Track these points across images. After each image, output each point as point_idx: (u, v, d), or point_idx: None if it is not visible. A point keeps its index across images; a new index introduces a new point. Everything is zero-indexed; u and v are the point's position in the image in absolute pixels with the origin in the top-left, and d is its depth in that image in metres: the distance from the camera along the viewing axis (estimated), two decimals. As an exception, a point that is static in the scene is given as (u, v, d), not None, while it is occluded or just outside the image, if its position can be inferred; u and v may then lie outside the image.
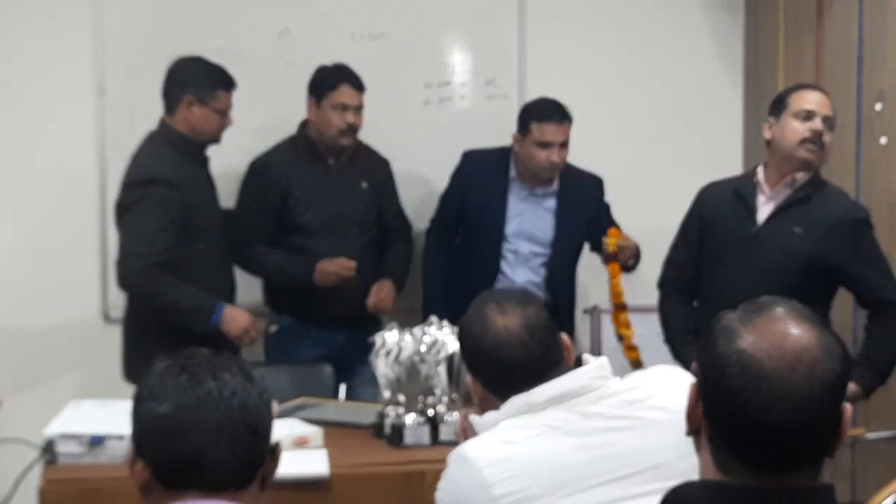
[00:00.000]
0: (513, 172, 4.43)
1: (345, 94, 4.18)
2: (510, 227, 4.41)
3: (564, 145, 4.30)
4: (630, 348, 4.27)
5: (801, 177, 3.64)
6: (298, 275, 4.23)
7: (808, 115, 3.60)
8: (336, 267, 4.18)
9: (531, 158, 4.28)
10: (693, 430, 1.58)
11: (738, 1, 5.14)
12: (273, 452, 1.79)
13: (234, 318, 3.87)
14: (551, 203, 4.43)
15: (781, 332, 1.51)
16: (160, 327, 3.83)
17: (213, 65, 4.01)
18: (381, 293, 4.31)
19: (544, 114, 4.27)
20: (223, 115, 3.98)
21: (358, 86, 4.22)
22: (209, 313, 3.83)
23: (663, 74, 5.09)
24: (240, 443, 1.71)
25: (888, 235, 3.95)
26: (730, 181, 3.84)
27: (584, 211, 4.45)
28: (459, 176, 4.52)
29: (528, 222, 4.42)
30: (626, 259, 4.26)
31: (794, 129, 3.60)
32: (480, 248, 4.44)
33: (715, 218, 3.83)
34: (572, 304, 4.62)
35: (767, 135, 3.70)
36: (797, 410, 1.47)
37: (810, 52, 4.58)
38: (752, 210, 3.70)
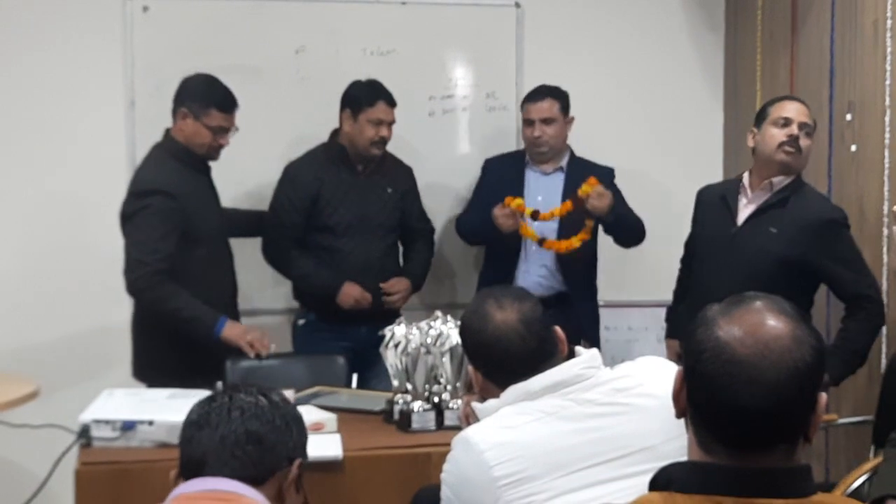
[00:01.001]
0: (527, 158, 4.48)
1: (381, 110, 4.20)
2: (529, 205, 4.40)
3: (547, 122, 4.35)
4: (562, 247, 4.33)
5: (779, 180, 3.65)
6: (322, 287, 4.23)
7: (786, 122, 3.63)
8: (360, 295, 4.19)
9: (523, 135, 4.43)
10: (680, 412, 1.59)
11: (720, 21, 5.15)
12: (291, 461, 1.98)
13: (234, 330, 3.80)
14: (560, 181, 4.45)
15: (756, 321, 1.51)
16: (164, 330, 3.82)
17: (217, 85, 3.92)
18: (397, 286, 4.31)
19: (527, 95, 4.44)
20: (216, 133, 3.88)
21: (392, 103, 4.24)
22: (211, 325, 3.76)
23: (650, 88, 5.09)
24: (242, 451, 1.92)
25: (859, 238, 3.95)
26: (720, 184, 3.88)
27: None
28: (483, 175, 4.61)
29: (541, 199, 4.42)
30: (594, 207, 4.24)
31: (773, 135, 3.64)
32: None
33: (703, 219, 3.89)
34: (592, 290, 4.56)
35: (751, 143, 3.74)
36: (765, 395, 1.47)
37: (786, 67, 4.59)
38: (733, 212, 3.72)
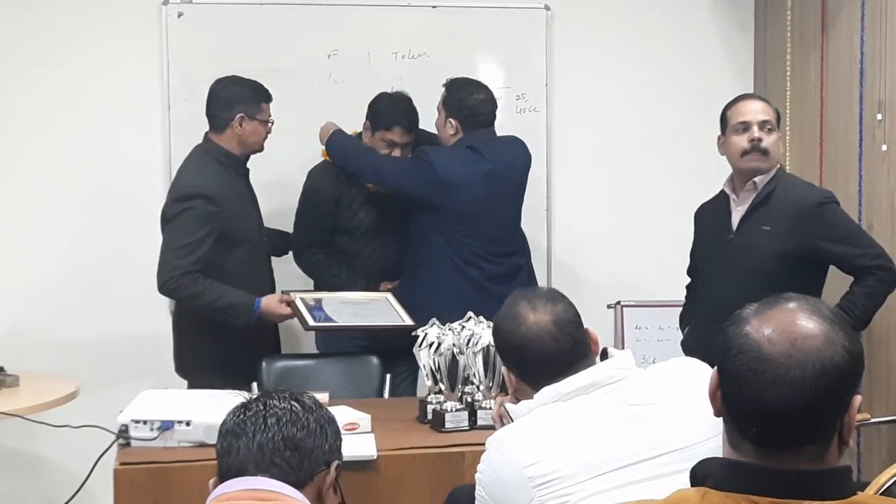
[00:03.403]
0: None
1: (396, 134, 4.20)
2: None
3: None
4: None
5: (761, 179, 3.62)
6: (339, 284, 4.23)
7: (745, 127, 3.60)
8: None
9: None
10: (717, 411, 1.59)
11: (749, 20, 5.12)
12: (328, 463, 1.99)
13: (271, 302, 3.89)
14: None
15: (788, 320, 1.50)
16: (205, 327, 3.88)
17: (252, 81, 4.04)
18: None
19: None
20: (266, 125, 4.01)
21: (410, 128, 4.23)
22: (250, 306, 3.84)
23: (680, 87, 5.07)
24: (281, 457, 1.93)
25: (889, 237, 3.92)
26: (712, 200, 3.84)
27: None
28: None
29: None
30: None
31: (735, 143, 3.62)
32: None
33: (701, 233, 3.87)
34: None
35: (721, 151, 3.71)
36: (790, 394, 1.46)
37: (816, 66, 4.56)
38: (727, 221, 3.69)
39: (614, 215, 5.02)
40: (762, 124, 3.59)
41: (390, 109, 4.22)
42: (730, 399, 1.53)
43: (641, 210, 5.00)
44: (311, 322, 3.86)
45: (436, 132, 4.31)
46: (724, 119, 3.69)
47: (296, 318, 3.93)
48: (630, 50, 5.04)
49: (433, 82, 4.60)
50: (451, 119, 4.18)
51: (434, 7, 4.83)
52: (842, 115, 4.34)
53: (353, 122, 4.33)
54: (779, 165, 3.67)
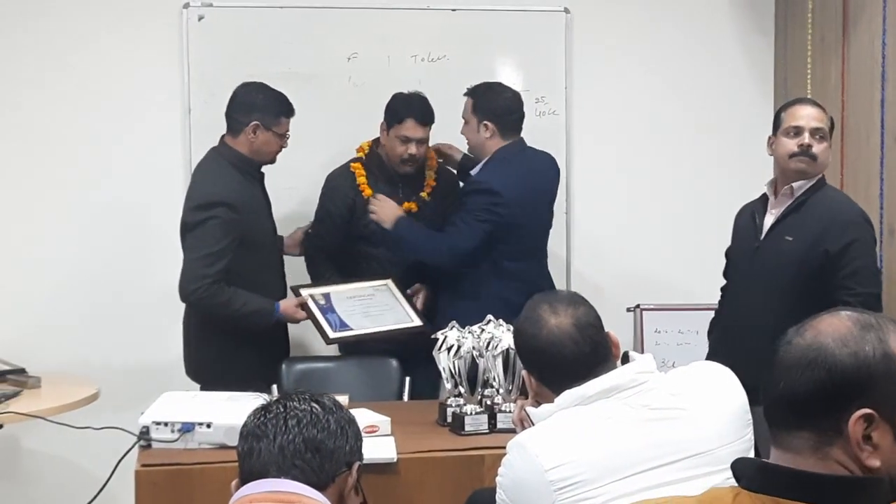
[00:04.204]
0: None
1: (408, 127, 4.17)
2: None
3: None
4: None
5: (799, 185, 3.60)
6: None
7: (797, 131, 3.58)
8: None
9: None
10: None
11: (769, 24, 5.10)
12: (350, 465, 2.00)
13: (288, 307, 3.94)
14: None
15: (823, 316, 1.52)
16: (215, 332, 3.91)
17: (277, 92, 4.03)
18: (417, 292, 4.27)
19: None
20: (282, 139, 4.01)
21: (424, 121, 4.19)
22: (270, 311, 3.90)
23: (699, 91, 5.06)
24: (302, 459, 1.94)
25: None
26: (752, 202, 3.82)
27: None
28: None
29: None
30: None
31: (785, 145, 3.60)
32: None
33: (735, 239, 3.86)
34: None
35: (769, 151, 3.70)
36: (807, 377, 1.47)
37: (837, 70, 4.54)
38: (758, 227, 3.68)
39: (634, 218, 5.01)
40: (814, 131, 3.58)
41: (402, 104, 4.21)
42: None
43: (661, 213, 4.99)
44: (331, 335, 3.95)
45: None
46: (777, 120, 3.68)
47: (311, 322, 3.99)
48: (649, 54, 5.03)
49: (452, 85, 4.61)
50: (485, 122, 4.15)
51: (453, 10, 4.83)
52: (863, 119, 4.32)
53: (373, 125, 4.32)
54: (822, 175, 3.65)
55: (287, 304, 3.96)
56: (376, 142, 4.32)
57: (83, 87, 4.61)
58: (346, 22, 4.74)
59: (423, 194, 4.31)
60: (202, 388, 3.93)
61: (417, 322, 4.06)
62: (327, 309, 4.00)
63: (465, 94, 4.23)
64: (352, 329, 3.99)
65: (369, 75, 4.70)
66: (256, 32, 4.69)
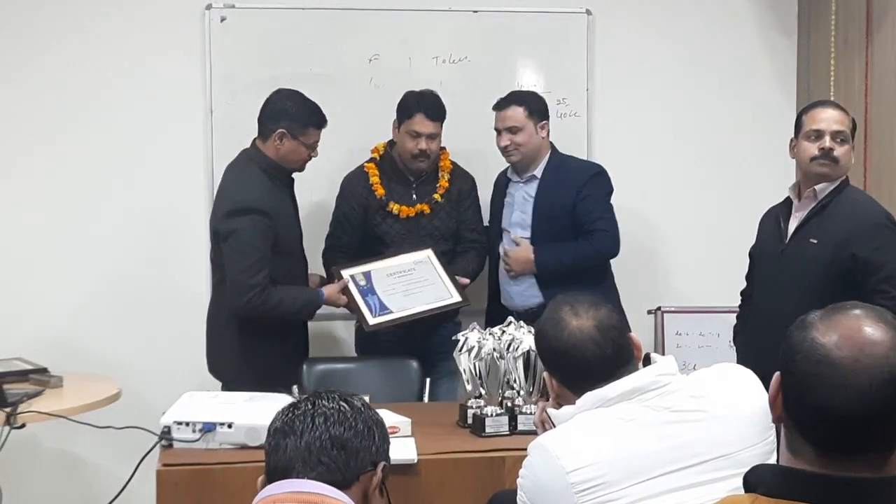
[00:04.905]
0: (509, 170, 4.41)
1: (418, 122, 4.17)
2: (504, 218, 4.37)
3: (512, 130, 4.23)
4: None
5: (822, 187, 3.58)
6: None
7: (818, 135, 3.56)
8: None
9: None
10: (776, 417, 1.58)
11: (792, 25, 5.08)
12: (375, 465, 2.00)
13: (332, 293, 4.01)
14: (533, 189, 4.33)
15: (854, 326, 1.50)
16: (239, 330, 3.93)
17: (310, 102, 4.02)
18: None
19: (494, 104, 4.32)
20: (310, 149, 4.01)
21: (434, 116, 4.20)
22: (317, 300, 3.99)
23: (721, 93, 5.04)
24: (328, 456, 1.94)
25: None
26: (777, 205, 3.80)
27: (563, 196, 4.27)
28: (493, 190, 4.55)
29: (517, 210, 4.35)
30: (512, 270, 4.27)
31: (806, 149, 3.58)
32: (495, 243, 4.40)
33: (759, 242, 3.84)
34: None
35: (791, 154, 3.68)
36: (855, 399, 1.45)
37: (860, 72, 4.52)
38: (783, 230, 3.66)
39: (655, 220, 5.00)
40: (835, 134, 3.55)
41: (412, 99, 4.23)
42: (794, 404, 1.52)
43: (682, 215, 4.98)
44: (371, 321, 3.99)
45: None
46: (798, 123, 3.66)
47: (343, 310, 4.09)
48: (671, 55, 5.01)
49: (474, 86, 4.62)
50: (542, 123, 4.27)
51: (475, 12, 4.82)
52: (886, 121, 4.30)
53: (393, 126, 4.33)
54: (845, 177, 3.62)
55: (331, 291, 4.02)
56: (391, 143, 4.34)
57: (106, 88, 4.63)
58: (368, 23, 4.75)
59: (436, 196, 4.31)
60: (224, 387, 3.96)
61: (457, 297, 4.10)
62: (367, 290, 4.05)
63: (511, 105, 4.24)
64: (391, 312, 4.03)
65: (391, 77, 4.70)
66: (278, 34, 4.70)
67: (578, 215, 4.23)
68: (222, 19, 4.67)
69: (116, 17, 4.64)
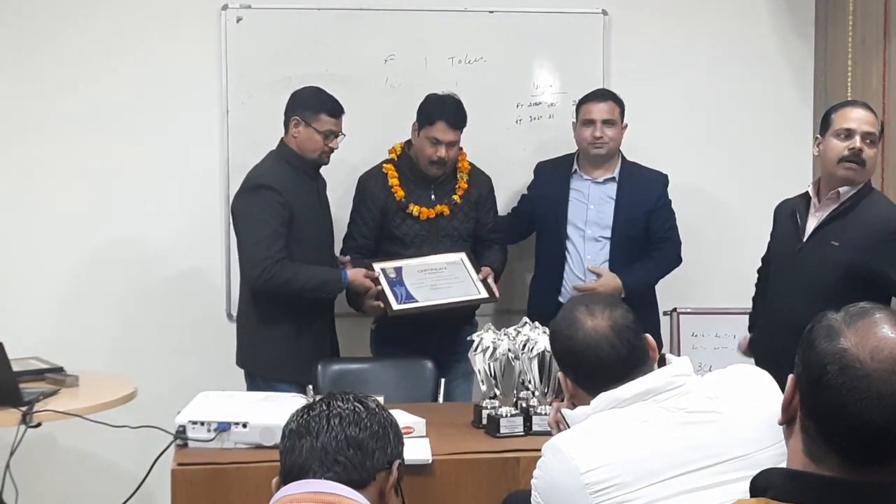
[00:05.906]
0: (575, 166, 4.44)
1: (439, 130, 4.17)
2: (572, 213, 4.38)
3: (608, 123, 4.33)
4: None
5: (846, 190, 3.54)
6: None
7: (848, 134, 3.51)
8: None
9: (578, 136, 4.41)
10: (788, 419, 1.56)
11: (809, 26, 5.06)
12: (390, 465, 2.01)
13: (357, 275, 4.04)
14: (612, 190, 4.40)
15: (884, 335, 1.47)
16: (271, 322, 3.96)
17: (324, 93, 4.09)
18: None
19: (585, 96, 4.43)
20: (325, 137, 4.04)
21: (456, 124, 4.20)
22: (338, 279, 4.01)
23: (738, 94, 5.03)
24: (344, 456, 1.95)
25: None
26: (793, 199, 3.77)
27: (642, 201, 4.40)
28: (533, 180, 4.60)
29: (593, 208, 4.38)
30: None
31: (835, 148, 3.53)
32: (549, 236, 4.44)
33: (776, 235, 3.81)
34: (649, 296, 4.48)
35: (815, 152, 3.65)
36: (892, 412, 1.43)
37: (878, 73, 4.50)
38: (800, 228, 3.63)
39: (672, 221, 4.99)
40: (865, 135, 3.51)
41: (435, 105, 4.23)
42: (822, 413, 1.49)
43: (699, 216, 4.96)
44: (395, 307, 4.02)
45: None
46: (826, 120, 3.61)
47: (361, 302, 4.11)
48: (688, 56, 5.00)
49: (490, 87, 4.61)
50: (626, 125, 4.38)
51: (491, 12, 4.82)
52: (904, 122, 4.28)
53: (409, 127, 4.33)
54: (868, 180, 3.60)
55: (355, 273, 4.04)
56: (408, 143, 4.34)
57: (122, 88, 4.64)
58: (384, 23, 4.75)
59: (455, 197, 4.32)
60: (251, 380, 4.01)
61: (484, 294, 4.14)
62: (396, 282, 4.08)
63: (609, 99, 4.36)
64: (417, 301, 4.06)
65: (406, 77, 4.71)
66: (294, 34, 4.71)
67: (655, 221, 4.39)
68: (238, 20, 4.68)
69: (133, 17, 4.65)
